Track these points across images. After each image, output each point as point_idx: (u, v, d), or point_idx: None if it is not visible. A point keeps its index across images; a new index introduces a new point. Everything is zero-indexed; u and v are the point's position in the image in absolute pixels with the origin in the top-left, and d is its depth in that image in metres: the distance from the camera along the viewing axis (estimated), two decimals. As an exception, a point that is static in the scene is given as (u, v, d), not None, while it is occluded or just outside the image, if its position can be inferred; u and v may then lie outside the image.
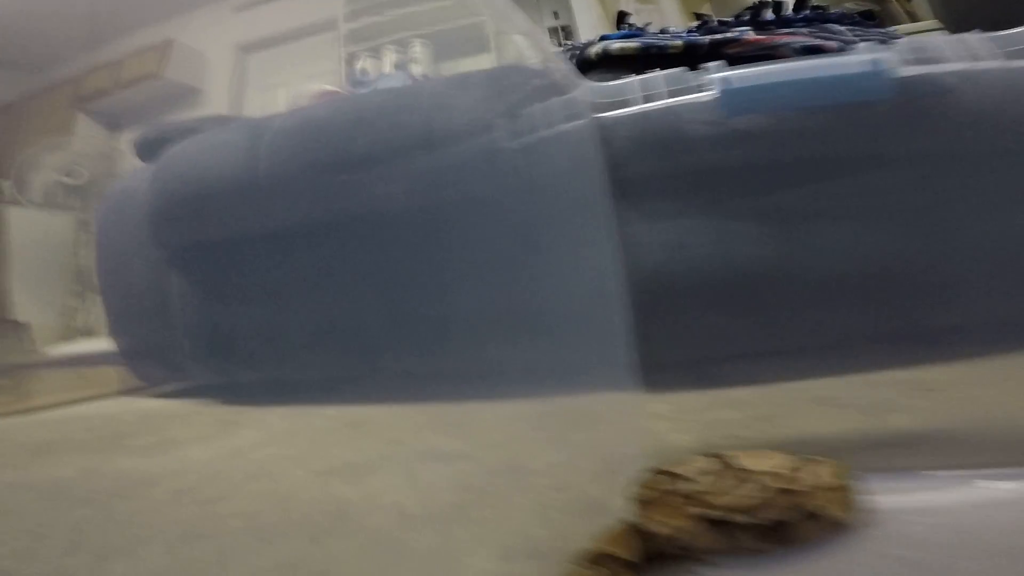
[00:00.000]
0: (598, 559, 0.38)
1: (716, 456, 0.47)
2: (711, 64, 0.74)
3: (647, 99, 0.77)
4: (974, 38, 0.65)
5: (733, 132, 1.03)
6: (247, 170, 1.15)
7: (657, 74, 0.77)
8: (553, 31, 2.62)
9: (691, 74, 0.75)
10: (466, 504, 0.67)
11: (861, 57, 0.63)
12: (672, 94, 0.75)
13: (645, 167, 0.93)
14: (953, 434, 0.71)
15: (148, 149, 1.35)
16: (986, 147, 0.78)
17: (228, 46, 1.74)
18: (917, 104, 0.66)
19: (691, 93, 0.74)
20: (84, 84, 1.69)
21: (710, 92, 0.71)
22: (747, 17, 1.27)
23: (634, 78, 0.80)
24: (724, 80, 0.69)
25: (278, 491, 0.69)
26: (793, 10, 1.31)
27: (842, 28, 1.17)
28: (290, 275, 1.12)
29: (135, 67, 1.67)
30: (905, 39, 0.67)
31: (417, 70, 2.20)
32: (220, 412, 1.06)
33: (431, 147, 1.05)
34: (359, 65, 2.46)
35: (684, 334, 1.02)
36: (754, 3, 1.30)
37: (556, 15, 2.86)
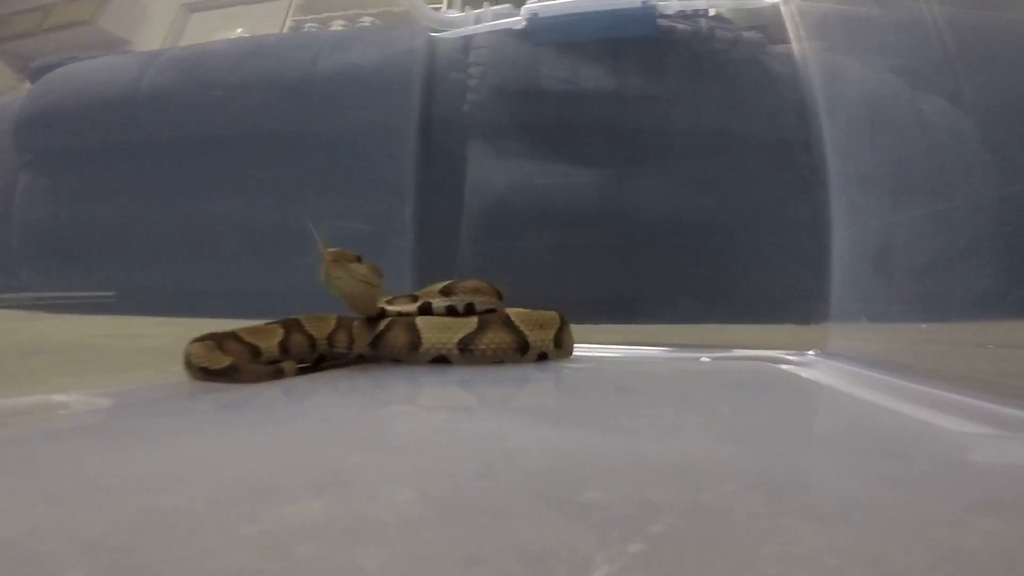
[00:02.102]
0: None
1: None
2: None
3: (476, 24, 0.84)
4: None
5: (583, 92, 1.12)
6: (129, 85, 1.17)
7: (488, 8, 0.84)
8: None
9: (514, 8, 0.83)
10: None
11: (637, -4, 0.72)
12: (495, 24, 0.82)
13: (490, 102, 1.00)
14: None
15: (40, 74, 1.36)
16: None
17: (174, 3, 1.77)
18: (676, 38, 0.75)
19: (509, 21, 0.81)
20: (5, 24, 1.69)
21: (521, 21, 0.78)
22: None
23: (471, 11, 0.87)
24: (531, 11, 0.76)
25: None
26: None
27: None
28: (151, 184, 1.13)
29: (66, 12, 1.69)
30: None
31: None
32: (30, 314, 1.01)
33: (312, 76, 1.11)
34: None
35: (521, 266, 1.06)
36: None
37: None
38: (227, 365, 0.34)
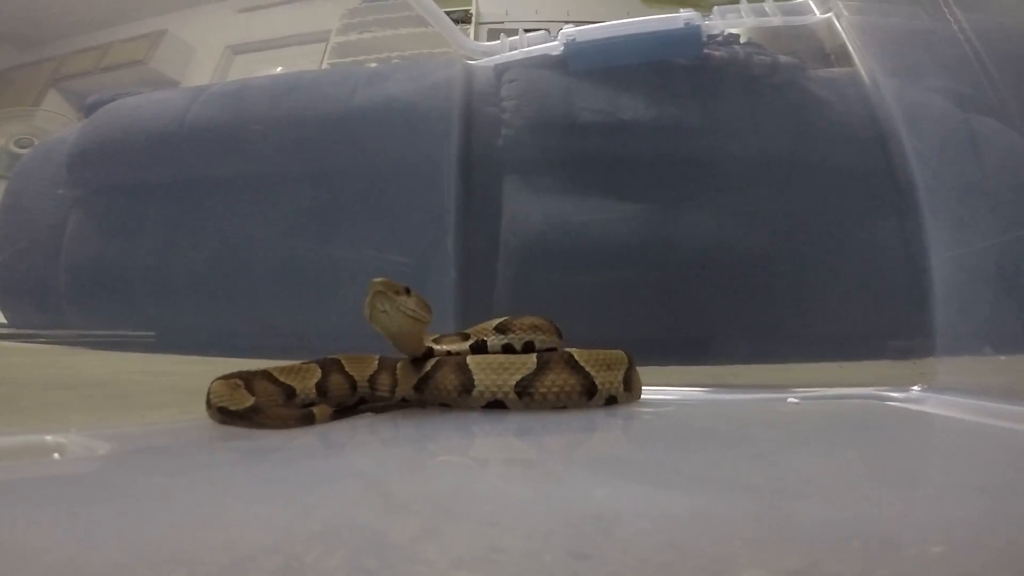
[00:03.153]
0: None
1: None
2: (566, 24, 0.80)
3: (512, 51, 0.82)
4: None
5: (621, 123, 1.09)
6: (174, 121, 1.21)
7: (525, 35, 0.83)
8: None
9: (550, 35, 0.81)
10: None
11: (679, 16, 0.69)
12: (531, 49, 0.81)
13: (528, 133, 0.98)
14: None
15: (94, 110, 1.43)
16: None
17: (220, 45, 1.86)
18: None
19: (546, 47, 0.79)
20: (66, 63, 1.81)
21: (559, 46, 0.76)
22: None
23: (506, 39, 0.86)
24: (569, 35, 0.74)
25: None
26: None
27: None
28: (192, 220, 1.14)
29: (121, 52, 1.80)
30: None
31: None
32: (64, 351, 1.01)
33: (349, 110, 1.12)
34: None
35: (561, 304, 1.01)
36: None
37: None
38: (248, 406, 0.30)
